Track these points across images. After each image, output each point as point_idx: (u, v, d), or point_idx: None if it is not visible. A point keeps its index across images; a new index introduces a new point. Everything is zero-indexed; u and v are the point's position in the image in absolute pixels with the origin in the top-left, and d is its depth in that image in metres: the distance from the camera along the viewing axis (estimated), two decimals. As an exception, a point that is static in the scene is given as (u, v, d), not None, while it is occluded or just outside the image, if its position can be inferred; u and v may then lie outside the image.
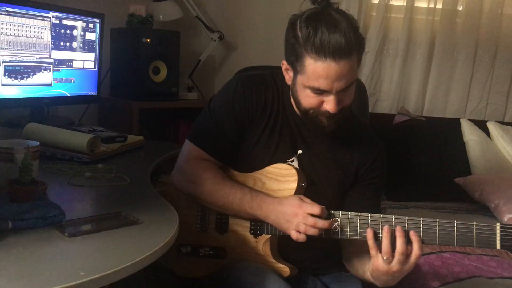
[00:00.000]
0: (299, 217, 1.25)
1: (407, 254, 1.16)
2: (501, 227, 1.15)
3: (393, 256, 1.17)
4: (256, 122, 1.38)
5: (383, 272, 1.20)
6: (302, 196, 1.29)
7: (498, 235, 1.15)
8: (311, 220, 1.24)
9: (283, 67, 1.32)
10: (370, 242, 1.20)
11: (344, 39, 1.17)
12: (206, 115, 1.40)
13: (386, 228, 1.19)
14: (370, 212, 1.24)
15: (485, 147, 2.62)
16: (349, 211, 1.25)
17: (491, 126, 2.74)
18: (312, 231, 1.24)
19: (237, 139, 1.38)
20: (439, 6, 2.92)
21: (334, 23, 1.18)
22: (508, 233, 1.14)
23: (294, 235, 1.26)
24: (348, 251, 1.41)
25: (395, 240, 1.17)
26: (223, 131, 1.37)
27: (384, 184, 1.46)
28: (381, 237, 1.19)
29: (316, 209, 1.24)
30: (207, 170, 1.36)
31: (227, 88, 1.40)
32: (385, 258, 1.18)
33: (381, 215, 1.23)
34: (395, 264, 1.17)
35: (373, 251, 1.20)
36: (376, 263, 1.20)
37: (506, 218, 2.08)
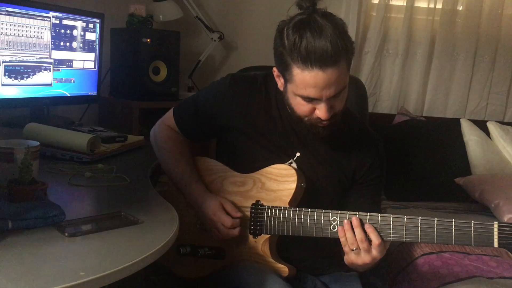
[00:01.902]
0: (214, 223, 1.34)
1: (368, 242, 1.21)
2: (498, 226, 1.15)
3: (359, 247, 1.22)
4: (240, 124, 1.40)
5: (359, 265, 1.26)
6: (223, 201, 1.35)
7: (495, 233, 1.15)
8: (224, 232, 1.33)
9: (275, 74, 1.33)
10: (342, 239, 1.24)
11: (331, 47, 1.16)
12: (193, 97, 1.50)
13: (345, 222, 1.23)
14: (370, 212, 1.24)
15: (485, 147, 2.62)
16: (348, 211, 1.26)
17: (491, 126, 2.74)
18: (222, 238, 1.35)
19: (210, 130, 1.47)
20: (439, 6, 2.92)
21: (319, 30, 1.17)
22: (506, 232, 1.14)
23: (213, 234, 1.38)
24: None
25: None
26: (197, 118, 1.45)
27: (384, 185, 1.46)
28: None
29: (228, 222, 1.32)
30: (169, 140, 1.47)
31: (217, 84, 1.46)
32: (354, 249, 1.22)
33: (379, 214, 1.23)
34: (363, 254, 1.22)
35: (345, 247, 1.24)
36: (350, 259, 1.25)
37: (506, 218, 2.08)
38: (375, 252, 1.22)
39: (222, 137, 1.47)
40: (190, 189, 1.39)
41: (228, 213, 1.33)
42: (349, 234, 1.22)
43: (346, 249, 1.25)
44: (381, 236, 1.21)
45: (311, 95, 1.22)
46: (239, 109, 1.40)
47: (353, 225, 1.22)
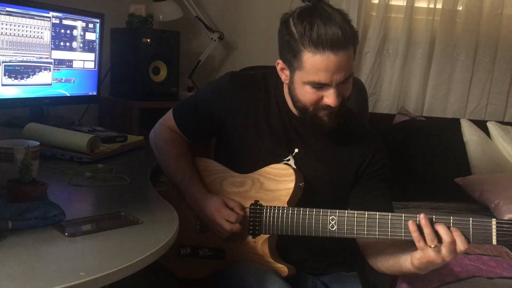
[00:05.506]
0: (217, 221, 1.33)
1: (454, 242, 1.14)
2: (497, 223, 1.15)
3: (439, 245, 1.14)
4: (239, 119, 1.40)
5: (437, 263, 1.16)
6: (226, 199, 1.35)
7: (494, 230, 1.14)
8: (227, 228, 1.32)
9: (278, 67, 1.33)
10: (415, 234, 1.16)
11: (341, 31, 1.19)
12: (192, 96, 1.53)
13: (422, 216, 1.15)
14: (381, 206, 1.25)
15: (485, 147, 2.62)
16: (356, 210, 1.24)
17: (491, 126, 2.74)
18: (226, 235, 1.34)
19: (210, 128, 1.46)
20: (439, 6, 2.92)
21: (328, 16, 1.21)
22: (504, 229, 1.14)
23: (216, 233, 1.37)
24: (374, 249, 1.35)
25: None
26: (197, 115, 1.45)
27: (390, 176, 1.42)
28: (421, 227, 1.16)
29: (232, 216, 1.31)
30: (169, 142, 1.47)
31: (217, 81, 1.47)
32: (432, 246, 1.14)
33: (377, 213, 1.22)
34: (446, 254, 1.14)
35: (420, 243, 1.15)
36: (428, 255, 1.15)
37: (506, 218, 2.08)
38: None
39: (222, 135, 1.47)
40: (191, 192, 1.39)
41: (231, 209, 1.34)
42: (427, 230, 1.14)
43: (420, 244, 1.15)
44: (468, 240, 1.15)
45: (322, 80, 1.23)
46: (239, 106, 1.40)
47: (436, 227, 1.15)
